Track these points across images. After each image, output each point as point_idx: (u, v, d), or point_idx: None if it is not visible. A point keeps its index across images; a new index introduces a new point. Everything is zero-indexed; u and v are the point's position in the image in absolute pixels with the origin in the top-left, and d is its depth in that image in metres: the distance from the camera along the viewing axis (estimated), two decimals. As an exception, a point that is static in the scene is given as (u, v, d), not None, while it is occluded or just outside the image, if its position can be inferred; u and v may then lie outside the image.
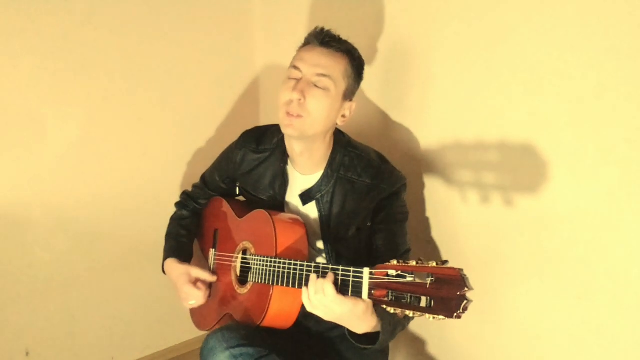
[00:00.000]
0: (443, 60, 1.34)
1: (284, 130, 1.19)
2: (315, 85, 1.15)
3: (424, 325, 1.58)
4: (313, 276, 1.02)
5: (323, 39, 1.17)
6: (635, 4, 0.95)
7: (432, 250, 1.49)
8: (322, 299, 0.99)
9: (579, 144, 1.08)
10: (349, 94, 1.21)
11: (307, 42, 1.21)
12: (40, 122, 1.54)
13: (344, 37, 1.22)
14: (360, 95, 1.61)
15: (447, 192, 1.39)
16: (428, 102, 1.40)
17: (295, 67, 1.18)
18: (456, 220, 1.39)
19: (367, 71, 1.55)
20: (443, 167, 1.39)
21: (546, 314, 1.22)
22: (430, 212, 1.47)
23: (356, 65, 1.21)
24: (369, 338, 1.08)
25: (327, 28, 1.20)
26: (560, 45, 1.08)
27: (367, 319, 1.02)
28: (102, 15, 1.58)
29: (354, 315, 1.00)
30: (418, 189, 1.48)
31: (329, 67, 1.15)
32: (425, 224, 1.48)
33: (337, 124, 1.24)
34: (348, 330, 1.08)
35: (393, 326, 1.11)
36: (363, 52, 1.55)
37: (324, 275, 1.01)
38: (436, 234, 1.47)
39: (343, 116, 1.23)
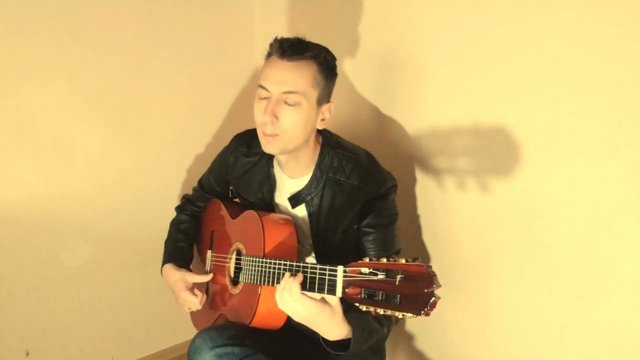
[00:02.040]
0: (436, 59, 1.34)
1: (264, 149, 1.19)
2: (286, 103, 1.12)
3: (422, 324, 1.58)
4: (287, 274, 1.04)
5: (283, 51, 1.11)
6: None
7: (424, 250, 1.48)
8: (288, 298, 1.00)
9: (575, 141, 1.08)
10: (323, 99, 1.18)
11: (269, 54, 1.17)
12: (36, 124, 1.56)
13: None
14: (353, 94, 1.62)
15: (440, 191, 1.38)
16: (421, 101, 1.40)
17: (262, 87, 1.14)
18: (450, 219, 1.39)
19: (363, 70, 1.59)
20: (435, 166, 1.38)
21: (544, 312, 1.22)
22: (422, 212, 1.47)
23: (325, 68, 1.16)
24: (342, 344, 1.08)
25: (288, 36, 1.16)
26: (552, 41, 1.08)
27: (336, 325, 1.02)
28: (97, 16, 1.59)
29: (321, 320, 1.00)
30: (410, 188, 1.47)
31: (294, 82, 1.11)
32: (417, 224, 1.48)
33: (317, 128, 1.22)
34: (320, 335, 1.07)
35: (367, 333, 1.10)
36: (359, 51, 1.57)
37: (312, 277, 1.01)
38: (430, 233, 1.47)
39: (323, 119, 1.21)
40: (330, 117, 1.22)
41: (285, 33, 1.87)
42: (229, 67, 1.95)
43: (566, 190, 1.11)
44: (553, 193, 1.13)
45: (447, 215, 1.39)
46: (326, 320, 1.01)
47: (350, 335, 1.05)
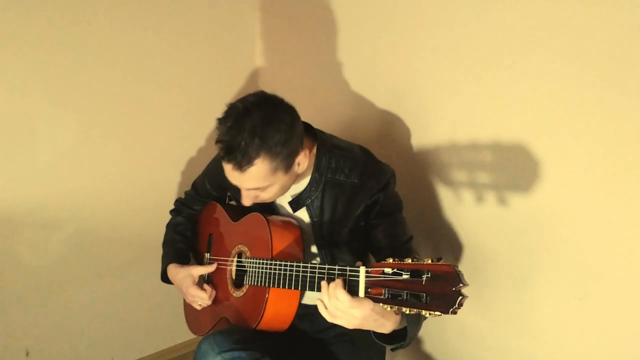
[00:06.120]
0: (440, 61, 1.34)
1: None
2: (258, 189, 1.13)
3: (422, 323, 1.58)
4: (324, 283, 0.99)
5: (227, 160, 1.06)
6: (625, 3, 0.96)
7: (428, 249, 1.49)
8: (337, 305, 0.95)
9: (574, 143, 1.08)
10: (290, 162, 1.11)
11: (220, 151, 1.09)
12: (34, 123, 1.55)
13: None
14: (359, 96, 1.63)
15: (443, 191, 1.39)
16: (424, 100, 1.41)
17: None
18: (451, 217, 1.40)
19: (367, 72, 1.59)
20: (438, 168, 1.39)
21: (543, 313, 1.22)
22: (425, 209, 1.47)
23: (276, 156, 1.06)
24: (395, 337, 1.05)
25: (226, 136, 1.05)
26: (552, 46, 1.08)
27: (391, 314, 0.99)
28: (101, 16, 1.59)
29: (377, 314, 0.96)
30: (413, 188, 1.48)
31: (254, 184, 1.10)
32: (419, 221, 1.48)
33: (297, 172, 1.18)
34: (374, 333, 1.04)
35: (416, 316, 1.03)
36: (362, 53, 1.58)
37: (331, 279, 0.98)
38: (431, 231, 1.47)
39: (299, 165, 1.16)
40: (307, 159, 1.16)
41: (285, 35, 1.90)
42: (227, 69, 1.95)
43: (565, 192, 1.12)
44: (550, 192, 1.14)
45: (452, 216, 1.40)
46: (381, 312, 0.96)
47: (403, 323, 1.03)
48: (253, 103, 1.07)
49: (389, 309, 0.88)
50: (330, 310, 0.97)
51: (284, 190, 1.18)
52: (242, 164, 1.04)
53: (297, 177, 1.22)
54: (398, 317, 1.01)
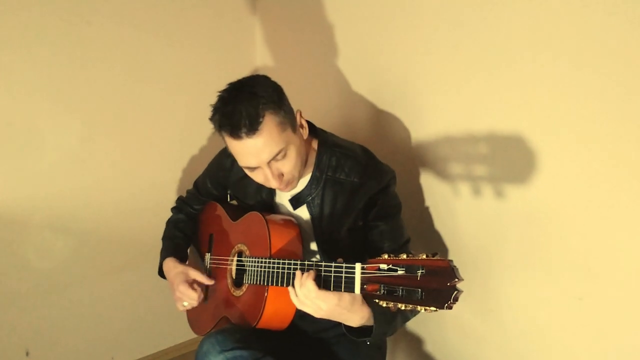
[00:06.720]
0: (439, 61, 1.34)
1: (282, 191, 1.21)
2: (277, 160, 1.10)
3: (422, 323, 1.58)
4: (298, 273, 1.03)
5: (237, 134, 1.05)
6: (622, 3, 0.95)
7: (424, 245, 1.48)
8: (307, 294, 1.00)
9: (575, 141, 1.07)
10: (293, 121, 1.14)
11: (220, 132, 1.11)
12: (38, 125, 1.55)
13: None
14: (358, 96, 1.63)
15: (440, 187, 1.39)
16: (421, 98, 1.40)
17: (247, 167, 1.13)
18: (450, 215, 1.39)
19: (362, 69, 1.59)
20: (435, 162, 1.39)
21: (543, 312, 1.22)
22: (423, 208, 1.47)
23: (277, 105, 1.08)
24: (367, 331, 1.08)
25: (226, 109, 1.08)
26: (550, 42, 1.08)
27: (357, 310, 1.02)
28: (101, 17, 1.60)
29: (342, 309, 1.00)
30: (411, 184, 1.47)
31: (271, 148, 1.07)
32: (418, 220, 1.48)
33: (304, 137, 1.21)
34: (345, 325, 1.07)
35: (390, 316, 1.09)
36: (359, 50, 1.58)
37: (327, 276, 1.00)
38: (430, 230, 1.47)
39: (302, 128, 1.18)
40: (305, 121, 1.19)
41: (285, 33, 1.90)
42: (227, 69, 1.95)
43: (565, 190, 1.11)
44: (548, 187, 1.13)
45: (450, 214, 1.39)
46: (348, 307, 1.00)
47: (367, 321, 1.05)
48: (235, 83, 1.14)
49: (384, 304, 0.87)
50: (300, 298, 1.02)
51: (301, 157, 1.15)
52: (253, 125, 1.04)
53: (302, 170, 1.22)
54: (367, 314, 1.04)
